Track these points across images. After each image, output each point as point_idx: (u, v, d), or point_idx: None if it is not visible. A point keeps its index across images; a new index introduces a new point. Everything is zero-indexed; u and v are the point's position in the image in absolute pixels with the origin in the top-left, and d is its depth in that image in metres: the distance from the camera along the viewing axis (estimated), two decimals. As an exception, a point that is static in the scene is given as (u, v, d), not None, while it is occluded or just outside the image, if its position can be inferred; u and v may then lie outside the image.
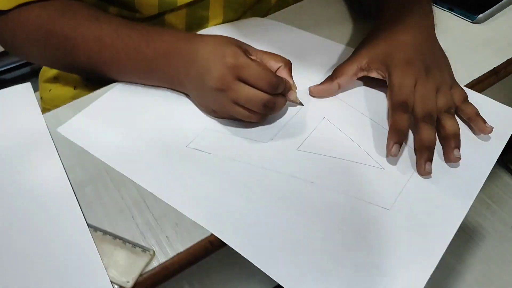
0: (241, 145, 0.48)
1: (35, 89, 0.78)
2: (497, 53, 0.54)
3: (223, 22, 0.65)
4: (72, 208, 0.44)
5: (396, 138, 0.44)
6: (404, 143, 0.46)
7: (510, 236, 0.93)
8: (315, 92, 0.52)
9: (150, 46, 0.50)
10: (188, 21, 0.63)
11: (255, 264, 0.39)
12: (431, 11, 0.54)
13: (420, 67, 0.47)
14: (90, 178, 0.48)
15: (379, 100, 0.47)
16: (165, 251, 0.41)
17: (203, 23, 0.64)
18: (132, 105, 0.54)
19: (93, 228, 0.43)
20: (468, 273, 0.87)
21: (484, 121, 0.47)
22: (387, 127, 0.48)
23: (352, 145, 0.47)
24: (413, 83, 0.46)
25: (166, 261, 0.41)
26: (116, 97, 0.55)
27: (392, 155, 0.44)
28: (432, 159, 0.44)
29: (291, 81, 0.49)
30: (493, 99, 0.50)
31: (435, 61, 0.49)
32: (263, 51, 0.50)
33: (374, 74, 0.50)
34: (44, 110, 0.75)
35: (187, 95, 0.54)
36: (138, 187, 0.46)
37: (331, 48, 0.58)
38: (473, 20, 0.59)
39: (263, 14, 0.67)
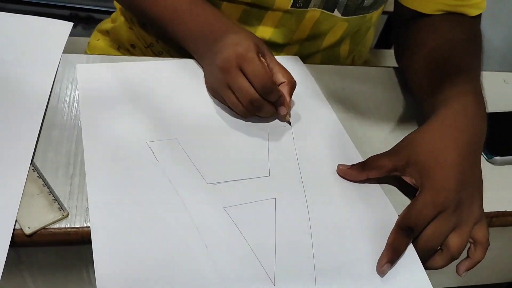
0: (185, 172, 0.47)
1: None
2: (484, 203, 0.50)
3: (269, 39, 0.66)
4: (29, 142, 0.46)
5: (392, 257, 0.42)
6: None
7: None
8: (341, 173, 0.49)
9: (193, 17, 0.57)
10: (241, 20, 0.64)
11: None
12: (485, 123, 0.50)
13: (451, 200, 0.44)
14: (62, 124, 0.50)
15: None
16: (78, 220, 0.42)
17: (251, 30, 0.64)
18: (140, 83, 0.56)
19: (33, 167, 0.45)
20: None
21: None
22: (316, 252, 0.43)
23: (268, 242, 0.43)
24: (431, 216, 0.43)
25: (73, 228, 0.41)
26: (137, 70, 0.58)
27: (382, 273, 0.42)
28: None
29: (287, 98, 0.52)
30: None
31: (470, 193, 0.46)
32: (277, 63, 0.54)
33: (407, 179, 0.47)
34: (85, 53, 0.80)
35: (191, 97, 0.56)
36: (94, 153, 0.47)
37: (329, 122, 0.56)
38: (489, 159, 0.56)
39: (310, 53, 0.68)
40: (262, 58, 0.52)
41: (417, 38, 0.65)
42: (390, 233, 0.44)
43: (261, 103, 0.51)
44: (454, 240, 0.44)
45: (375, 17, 0.72)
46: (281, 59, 0.64)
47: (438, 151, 0.46)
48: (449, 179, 0.44)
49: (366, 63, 0.83)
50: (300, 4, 0.62)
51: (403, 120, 0.60)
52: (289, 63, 0.64)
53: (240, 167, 0.49)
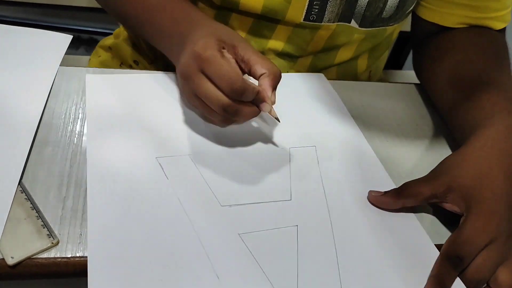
0: (197, 192, 0.42)
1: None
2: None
3: (282, 50, 0.61)
4: (17, 160, 0.41)
5: None
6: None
7: None
8: (374, 200, 0.44)
9: (163, 14, 0.51)
10: (251, 32, 0.60)
11: None
12: None
13: (504, 227, 0.39)
14: (56, 141, 0.45)
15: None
16: (70, 248, 0.36)
17: (263, 42, 0.61)
18: (151, 95, 0.52)
19: (21, 188, 0.40)
20: None
21: None
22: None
23: (289, 275, 0.37)
24: (483, 244, 0.38)
25: (63, 258, 0.36)
26: (146, 82, 0.54)
27: None
28: None
29: (268, 93, 0.43)
30: None
31: None
32: (255, 52, 0.45)
33: (447, 206, 0.43)
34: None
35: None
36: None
37: (357, 143, 0.52)
38: None
39: (326, 66, 0.65)
40: (227, 54, 0.44)
41: (439, 53, 0.61)
42: (434, 264, 0.38)
43: (235, 108, 0.42)
44: (505, 276, 0.38)
45: (396, 33, 0.68)
46: (303, 76, 0.60)
47: (484, 175, 0.41)
48: (499, 204, 0.39)
49: (381, 80, 0.79)
50: (314, 17, 0.57)
51: (429, 139, 0.55)
52: (313, 80, 0.60)
53: (258, 189, 0.43)
